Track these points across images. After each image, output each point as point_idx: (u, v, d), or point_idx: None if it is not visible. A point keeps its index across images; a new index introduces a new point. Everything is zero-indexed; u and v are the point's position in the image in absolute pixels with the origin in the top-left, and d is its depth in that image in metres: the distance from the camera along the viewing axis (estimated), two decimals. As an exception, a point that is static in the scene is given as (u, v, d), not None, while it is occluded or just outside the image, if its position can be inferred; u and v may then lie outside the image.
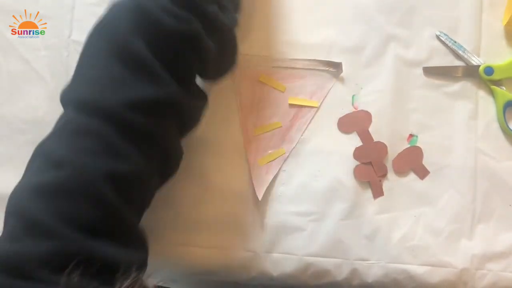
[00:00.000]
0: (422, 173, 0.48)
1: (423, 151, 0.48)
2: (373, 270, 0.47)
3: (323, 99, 0.49)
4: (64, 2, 0.50)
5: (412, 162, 0.48)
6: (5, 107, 0.49)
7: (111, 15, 0.37)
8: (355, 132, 0.48)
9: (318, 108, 0.49)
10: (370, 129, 0.48)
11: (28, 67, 0.49)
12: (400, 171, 0.48)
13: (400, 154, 0.48)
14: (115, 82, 0.34)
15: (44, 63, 0.49)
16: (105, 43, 0.35)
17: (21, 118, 0.49)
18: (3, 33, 0.50)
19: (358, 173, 0.48)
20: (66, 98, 0.36)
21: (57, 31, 0.50)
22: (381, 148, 0.48)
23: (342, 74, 0.49)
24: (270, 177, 0.47)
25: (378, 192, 0.48)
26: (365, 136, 0.48)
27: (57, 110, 0.48)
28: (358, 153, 0.47)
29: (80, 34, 0.50)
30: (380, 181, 0.48)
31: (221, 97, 0.49)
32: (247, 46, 0.49)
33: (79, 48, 0.49)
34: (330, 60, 0.48)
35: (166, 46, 0.35)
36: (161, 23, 0.34)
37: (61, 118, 0.36)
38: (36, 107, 0.49)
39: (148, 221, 0.47)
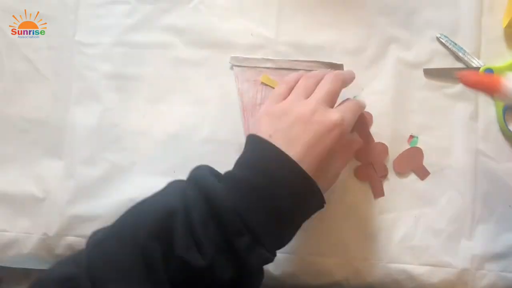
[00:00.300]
0: (423, 174, 0.48)
1: (423, 152, 0.48)
2: (374, 270, 0.47)
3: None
4: (68, 2, 0.51)
5: (413, 163, 0.48)
6: (9, 107, 0.50)
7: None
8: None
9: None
10: (371, 130, 0.48)
11: (32, 67, 0.50)
12: (401, 172, 0.48)
13: (400, 155, 0.48)
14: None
15: (48, 63, 0.50)
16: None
17: (25, 118, 0.49)
18: (6, 33, 0.50)
19: (359, 174, 0.48)
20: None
21: (61, 31, 0.50)
22: (382, 149, 0.48)
23: (343, 76, 0.49)
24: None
25: (378, 193, 0.48)
26: (366, 136, 0.48)
27: (60, 110, 0.49)
28: (359, 154, 0.48)
29: (84, 34, 0.50)
30: (381, 181, 0.48)
31: (224, 99, 0.49)
32: (250, 47, 0.50)
33: (83, 49, 0.50)
34: (331, 61, 0.49)
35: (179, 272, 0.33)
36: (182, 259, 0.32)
37: None
38: (39, 107, 0.49)
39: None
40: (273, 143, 0.36)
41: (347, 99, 0.44)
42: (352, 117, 0.41)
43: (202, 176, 0.36)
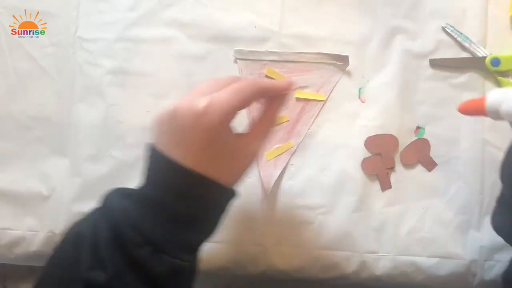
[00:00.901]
0: (430, 165, 0.48)
1: (430, 143, 0.48)
2: (382, 263, 0.47)
3: (330, 93, 0.49)
4: (69, -2, 0.50)
5: (420, 154, 0.48)
6: (12, 104, 0.49)
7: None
8: (362, 126, 0.48)
9: (325, 101, 0.49)
10: (377, 122, 0.48)
11: (34, 64, 0.49)
12: (408, 163, 0.48)
13: (407, 147, 0.48)
14: None
15: (51, 60, 0.49)
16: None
17: (28, 115, 0.49)
18: (8, 31, 0.50)
19: (365, 166, 0.48)
20: None
21: (63, 28, 0.50)
22: (392, 141, 0.48)
23: (348, 68, 0.49)
24: (278, 171, 0.47)
25: (386, 185, 0.48)
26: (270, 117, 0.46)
27: (64, 107, 0.49)
28: (369, 143, 0.47)
29: (86, 30, 0.50)
30: (388, 173, 0.48)
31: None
32: (254, 40, 0.49)
33: (85, 45, 0.49)
34: (336, 53, 0.48)
35: None
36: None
37: None
38: (43, 104, 0.49)
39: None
40: (160, 148, 0.34)
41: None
42: (228, 97, 0.34)
43: (109, 199, 0.36)
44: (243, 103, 0.35)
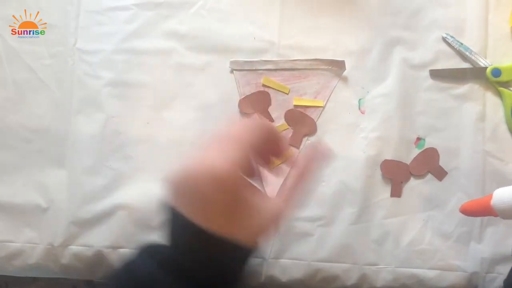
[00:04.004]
0: (440, 174, 0.48)
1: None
2: (382, 275, 0.47)
3: (328, 98, 0.48)
4: (68, 10, 0.50)
5: (429, 164, 0.48)
6: (10, 116, 0.49)
7: None
8: (362, 137, 0.48)
9: (323, 107, 0.48)
10: (377, 134, 0.48)
11: (33, 75, 0.49)
12: (418, 174, 0.47)
13: (417, 157, 0.48)
14: None
15: (49, 72, 0.49)
16: None
17: (26, 127, 0.49)
18: (8, 42, 0.50)
19: (384, 167, 0.47)
20: None
21: (62, 39, 0.50)
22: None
23: (347, 77, 0.49)
24: (281, 180, 0.47)
25: (396, 192, 0.47)
26: (265, 116, 0.48)
27: (63, 118, 0.49)
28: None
29: (85, 42, 0.50)
30: (402, 182, 0.47)
31: (227, 104, 0.49)
32: (253, 51, 0.49)
33: (84, 56, 0.49)
34: (332, 59, 0.48)
35: None
36: None
37: None
38: (41, 115, 0.49)
39: (154, 228, 0.47)
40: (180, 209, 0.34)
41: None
42: (235, 154, 0.34)
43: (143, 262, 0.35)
44: (257, 153, 0.36)
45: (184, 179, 0.34)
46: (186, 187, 0.33)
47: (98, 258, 0.47)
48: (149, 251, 0.36)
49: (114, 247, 0.47)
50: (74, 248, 0.47)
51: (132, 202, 0.47)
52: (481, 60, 0.48)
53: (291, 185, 0.38)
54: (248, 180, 0.35)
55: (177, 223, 0.34)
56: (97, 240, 0.47)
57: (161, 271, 0.33)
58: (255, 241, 0.36)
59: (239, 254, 0.35)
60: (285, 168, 0.47)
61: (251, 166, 0.36)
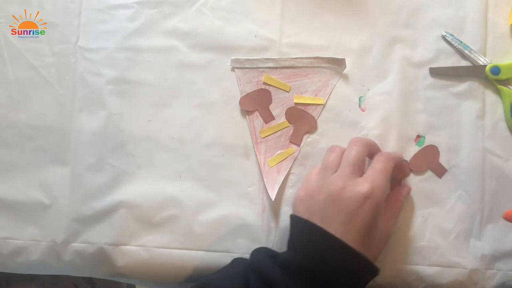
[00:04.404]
0: (440, 171, 0.48)
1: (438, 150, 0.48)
2: (382, 271, 0.46)
3: (329, 96, 0.49)
4: (70, 8, 0.50)
5: (429, 161, 0.48)
6: (13, 114, 0.49)
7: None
8: (362, 134, 0.48)
9: (324, 105, 0.49)
10: (378, 131, 0.48)
11: (36, 73, 0.50)
12: (418, 171, 0.48)
13: (416, 154, 0.48)
14: None
15: (52, 70, 0.50)
16: None
17: (29, 124, 0.49)
18: (10, 40, 0.50)
19: None
20: None
21: (64, 37, 0.50)
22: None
23: (348, 75, 0.49)
24: (282, 177, 0.47)
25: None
26: (266, 113, 0.48)
27: (65, 116, 0.49)
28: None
29: (87, 40, 0.50)
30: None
31: (228, 102, 0.49)
32: (254, 49, 0.49)
33: (86, 54, 0.50)
34: (332, 56, 0.49)
35: None
36: None
37: None
38: (44, 113, 0.49)
39: (155, 225, 0.48)
40: (314, 223, 0.39)
41: (379, 154, 0.45)
42: (383, 179, 0.41)
43: (261, 261, 0.40)
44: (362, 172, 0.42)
45: (331, 196, 0.40)
46: (333, 202, 0.40)
47: (100, 255, 0.47)
48: (265, 254, 0.41)
49: (116, 244, 0.47)
50: (76, 245, 0.48)
51: (134, 199, 0.48)
52: (481, 58, 0.49)
53: (393, 203, 0.46)
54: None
55: (310, 233, 0.39)
56: (99, 237, 0.48)
57: (285, 272, 0.38)
58: (376, 258, 0.42)
59: (366, 269, 0.39)
60: (286, 164, 0.48)
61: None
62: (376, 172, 0.41)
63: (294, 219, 0.42)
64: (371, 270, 0.39)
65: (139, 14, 0.50)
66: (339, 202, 0.40)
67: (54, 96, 0.49)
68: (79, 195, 0.48)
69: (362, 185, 0.40)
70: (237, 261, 0.44)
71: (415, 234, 0.47)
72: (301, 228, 0.41)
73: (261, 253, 0.42)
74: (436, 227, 0.47)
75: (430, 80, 0.49)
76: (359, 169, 0.42)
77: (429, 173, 0.48)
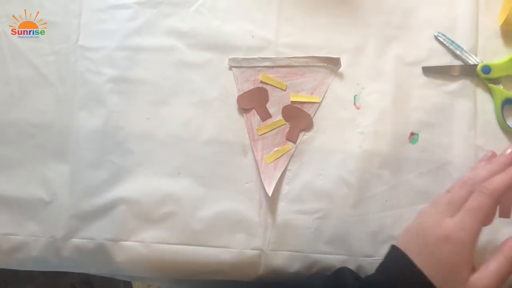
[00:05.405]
0: None
1: (423, 149, 0.49)
2: (378, 266, 0.48)
3: (324, 94, 0.50)
4: (71, 7, 0.51)
5: None
6: (14, 112, 0.50)
7: None
8: (357, 132, 0.49)
9: (320, 103, 0.50)
10: (372, 129, 0.49)
11: (36, 72, 0.50)
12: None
13: None
14: None
15: (52, 68, 0.50)
16: None
17: (29, 122, 0.50)
18: (11, 39, 0.51)
19: None
20: None
21: (65, 36, 0.51)
22: None
23: (343, 74, 0.50)
24: (278, 174, 0.48)
25: None
26: (263, 111, 0.49)
27: (65, 114, 0.50)
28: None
29: (87, 39, 0.51)
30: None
31: (226, 100, 0.50)
32: (251, 49, 0.50)
33: (87, 53, 0.50)
34: (328, 56, 0.50)
35: None
36: None
37: None
38: (44, 111, 0.50)
39: (154, 221, 0.48)
40: (411, 258, 0.39)
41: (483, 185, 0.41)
42: (471, 222, 0.39)
43: (345, 282, 0.41)
44: (484, 224, 0.39)
45: (418, 231, 0.41)
46: (417, 236, 0.41)
47: (100, 251, 0.48)
48: (348, 274, 0.43)
49: (116, 240, 0.48)
50: (76, 241, 0.48)
51: (133, 196, 0.48)
52: (472, 57, 0.50)
53: (497, 271, 0.39)
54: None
55: (402, 265, 0.40)
56: (98, 233, 0.48)
57: None
58: None
59: None
60: (283, 160, 0.49)
61: None
62: (465, 212, 0.39)
63: (394, 250, 0.41)
64: None
65: (139, 14, 0.51)
66: (422, 236, 0.40)
67: (54, 94, 0.50)
68: (79, 191, 0.49)
69: (443, 224, 0.39)
70: (316, 280, 0.45)
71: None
72: (396, 262, 0.41)
73: (347, 274, 0.43)
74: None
75: (423, 79, 0.50)
76: (482, 222, 0.39)
77: (424, 170, 0.49)
